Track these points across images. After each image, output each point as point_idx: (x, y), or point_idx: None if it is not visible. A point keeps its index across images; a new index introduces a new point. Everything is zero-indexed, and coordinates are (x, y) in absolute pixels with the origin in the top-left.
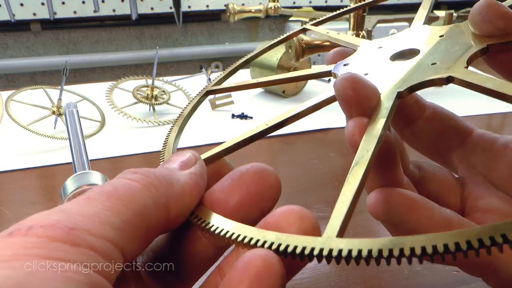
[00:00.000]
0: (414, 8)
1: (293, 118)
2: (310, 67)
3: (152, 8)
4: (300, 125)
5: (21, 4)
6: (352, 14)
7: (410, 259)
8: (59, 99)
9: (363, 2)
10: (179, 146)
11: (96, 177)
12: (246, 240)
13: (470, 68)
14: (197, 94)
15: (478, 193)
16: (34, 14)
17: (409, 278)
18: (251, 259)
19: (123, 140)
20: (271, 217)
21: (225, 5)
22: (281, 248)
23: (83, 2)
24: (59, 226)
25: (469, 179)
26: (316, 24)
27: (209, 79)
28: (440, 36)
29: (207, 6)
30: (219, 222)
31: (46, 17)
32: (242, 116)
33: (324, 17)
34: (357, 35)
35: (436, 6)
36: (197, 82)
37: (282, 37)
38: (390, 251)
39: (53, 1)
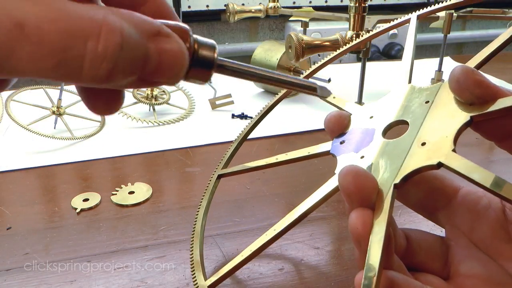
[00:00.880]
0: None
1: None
2: (310, 67)
3: None
4: (300, 125)
5: None
6: (352, 14)
7: None
8: (59, 99)
9: (349, 45)
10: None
11: None
12: None
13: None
14: (209, 181)
15: (461, 257)
16: None
17: None
18: None
19: (123, 140)
20: None
21: (225, 5)
22: None
23: None
24: None
25: (453, 241)
26: (314, 72)
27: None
28: (426, 102)
29: (207, 6)
30: None
31: None
32: (242, 116)
33: (322, 62)
34: (357, 35)
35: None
36: None
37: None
38: None
39: None
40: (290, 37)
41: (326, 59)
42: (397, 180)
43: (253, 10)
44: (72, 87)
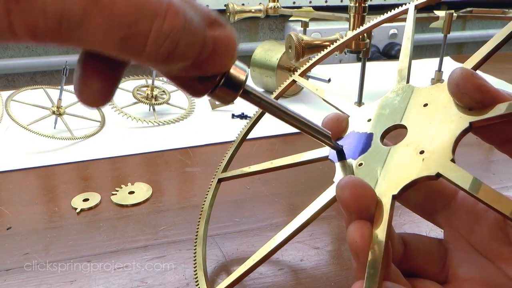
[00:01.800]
0: None
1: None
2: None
3: None
4: None
5: None
6: (352, 14)
7: None
8: (59, 99)
9: (346, 38)
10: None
11: None
12: None
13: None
14: (210, 184)
15: (459, 260)
16: None
17: None
18: None
19: (123, 140)
20: None
21: (225, 5)
22: None
23: None
24: None
25: (452, 243)
26: (303, 73)
27: None
28: (425, 105)
29: (207, 6)
30: None
31: None
32: (242, 116)
33: (312, 62)
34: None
35: (436, 6)
36: None
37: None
38: None
39: None
40: (290, 37)
41: (328, 50)
42: (395, 191)
43: (253, 10)
44: (72, 87)
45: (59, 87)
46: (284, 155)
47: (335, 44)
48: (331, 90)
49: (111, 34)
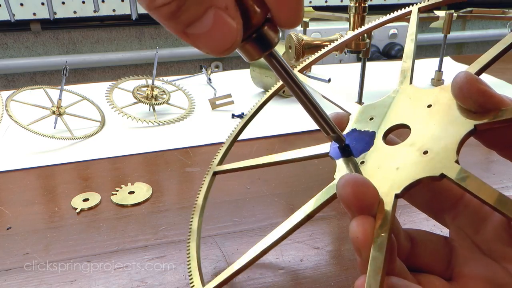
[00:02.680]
0: None
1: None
2: (310, 68)
3: None
4: (300, 125)
5: (21, 4)
6: (352, 14)
7: None
8: (59, 99)
9: (347, 37)
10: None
11: None
12: None
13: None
14: (205, 176)
15: (464, 258)
16: (34, 14)
17: None
18: None
19: (123, 140)
20: None
21: None
22: None
23: (83, 2)
24: None
25: (457, 242)
26: (303, 69)
27: (209, 79)
28: (428, 106)
29: None
30: None
31: (46, 17)
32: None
33: (313, 58)
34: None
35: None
36: (197, 82)
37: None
38: None
39: (53, 1)
40: (290, 37)
41: (333, 45)
42: (398, 191)
43: None
44: (72, 87)
45: (59, 87)
46: None
47: (339, 41)
48: (332, 90)
49: None
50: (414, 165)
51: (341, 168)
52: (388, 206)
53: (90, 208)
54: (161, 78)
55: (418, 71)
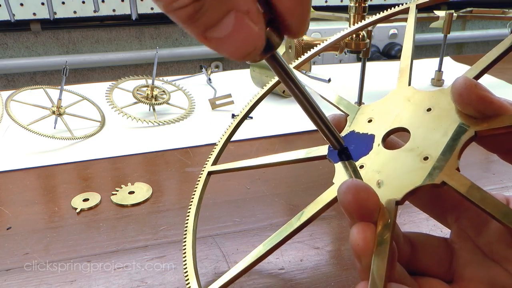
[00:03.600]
0: None
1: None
2: (310, 68)
3: (152, 8)
4: (300, 125)
5: (21, 4)
6: (352, 14)
7: None
8: (59, 99)
9: (346, 32)
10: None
11: None
12: None
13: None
14: (200, 176)
15: (466, 260)
16: (34, 14)
17: None
18: None
19: (123, 140)
20: None
21: None
22: None
23: (83, 2)
24: None
25: (458, 244)
26: (299, 65)
27: (209, 79)
28: (428, 110)
29: None
30: None
31: (46, 17)
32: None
33: (309, 54)
34: (357, 35)
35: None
36: (197, 82)
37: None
38: None
39: (53, 1)
40: None
41: (328, 42)
42: (399, 197)
43: None
44: (72, 87)
45: (59, 87)
46: None
47: (335, 37)
48: (332, 90)
49: None
50: (414, 171)
51: (340, 172)
52: (389, 211)
53: (90, 208)
54: (161, 78)
55: (418, 71)
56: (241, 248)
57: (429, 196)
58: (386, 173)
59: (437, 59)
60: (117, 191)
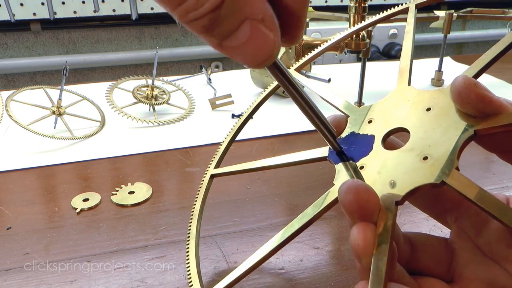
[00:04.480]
0: None
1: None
2: (310, 68)
3: (152, 8)
4: (300, 125)
5: (21, 4)
6: (352, 14)
7: None
8: (59, 99)
9: (347, 33)
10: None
11: None
12: None
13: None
14: (202, 180)
15: (465, 260)
16: (34, 14)
17: None
18: None
19: (123, 140)
20: None
21: None
22: None
23: (83, 2)
24: None
25: (458, 244)
26: (299, 68)
27: (209, 79)
28: (427, 110)
29: None
30: None
31: (46, 17)
32: (239, 116)
33: (310, 56)
34: (357, 35)
35: (436, 6)
36: (197, 82)
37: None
38: None
39: (53, 1)
40: None
41: (329, 43)
42: (399, 197)
43: None
44: (72, 87)
45: (59, 87)
46: (284, 154)
47: (335, 38)
48: (331, 90)
49: None
50: (414, 171)
51: (341, 173)
52: (389, 211)
53: (90, 208)
54: (161, 78)
55: (418, 71)
56: (241, 248)
57: (429, 196)
58: (386, 173)
59: (437, 59)
60: (117, 191)
